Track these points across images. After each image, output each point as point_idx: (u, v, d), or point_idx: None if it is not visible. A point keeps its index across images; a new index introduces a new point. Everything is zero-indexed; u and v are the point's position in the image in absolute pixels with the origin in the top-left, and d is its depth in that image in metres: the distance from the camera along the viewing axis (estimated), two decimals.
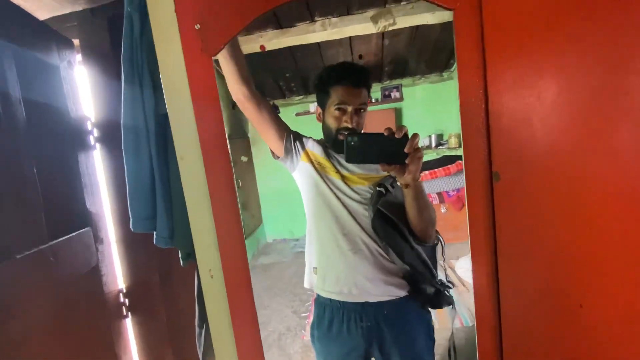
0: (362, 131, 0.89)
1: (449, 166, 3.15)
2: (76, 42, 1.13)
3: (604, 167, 0.58)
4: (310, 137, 0.97)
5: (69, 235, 0.96)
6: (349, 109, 0.87)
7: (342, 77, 0.88)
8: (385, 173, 0.86)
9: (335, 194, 0.88)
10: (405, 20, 1.96)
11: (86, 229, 1.04)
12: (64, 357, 0.90)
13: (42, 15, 1.08)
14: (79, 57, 1.14)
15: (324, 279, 0.92)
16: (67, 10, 1.09)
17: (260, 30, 2.09)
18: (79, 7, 1.09)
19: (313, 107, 3.76)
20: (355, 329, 0.88)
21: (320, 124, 0.96)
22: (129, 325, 1.22)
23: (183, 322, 1.15)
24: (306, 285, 0.98)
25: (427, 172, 3.14)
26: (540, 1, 0.58)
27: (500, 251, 0.66)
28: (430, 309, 0.93)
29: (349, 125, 0.87)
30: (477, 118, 0.63)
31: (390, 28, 1.98)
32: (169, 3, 0.67)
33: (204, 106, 0.69)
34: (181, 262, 0.88)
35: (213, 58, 0.69)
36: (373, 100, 3.77)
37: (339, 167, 0.90)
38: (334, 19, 2.02)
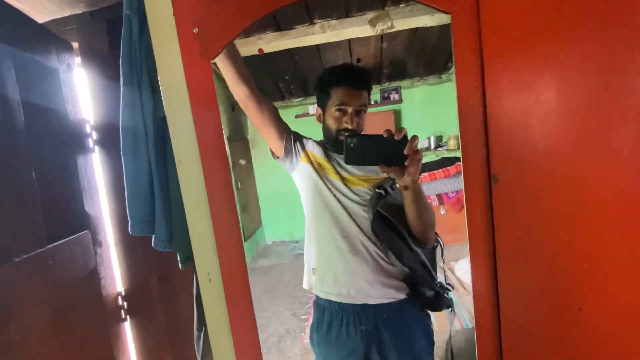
0: (362, 133, 0.89)
1: (448, 168, 3.15)
2: (75, 45, 1.13)
3: (602, 169, 0.58)
4: (310, 138, 0.97)
5: (68, 239, 0.96)
6: (349, 110, 0.87)
7: (343, 78, 0.88)
8: (385, 175, 0.86)
9: (334, 195, 0.88)
10: (404, 22, 1.96)
11: (85, 232, 1.04)
12: None
13: (41, 18, 1.08)
14: (78, 60, 1.14)
15: (322, 279, 0.92)
16: (66, 13, 1.10)
17: (259, 33, 2.10)
18: (78, 10, 1.10)
19: (312, 109, 3.77)
20: (355, 332, 0.88)
21: (320, 126, 0.96)
22: (127, 328, 1.22)
23: (182, 325, 1.15)
24: (305, 285, 0.98)
25: (426, 173, 3.14)
26: (538, 4, 0.58)
27: (499, 253, 0.66)
28: (429, 312, 0.93)
29: (349, 126, 0.87)
30: (476, 121, 0.63)
31: (389, 31, 1.99)
32: (167, 6, 0.67)
33: (203, 109, 0.69)
34: (180, 265, 0.88)
35: (211, 61, 0.69)
36: (372, 102, 3.78)
37: (338, 169, 0.90)
38: (333, 22, 2.03)
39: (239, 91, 0.85)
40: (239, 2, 0.66)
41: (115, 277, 1.19)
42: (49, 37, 1.03)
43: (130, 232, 0.86)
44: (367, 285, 0.86)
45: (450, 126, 3.79)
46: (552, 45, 0.58)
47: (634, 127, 0.56)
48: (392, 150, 0.67)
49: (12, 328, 0.75)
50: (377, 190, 0.86)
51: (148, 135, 0.82)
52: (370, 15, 1.97)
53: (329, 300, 0.91)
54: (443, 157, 3.52)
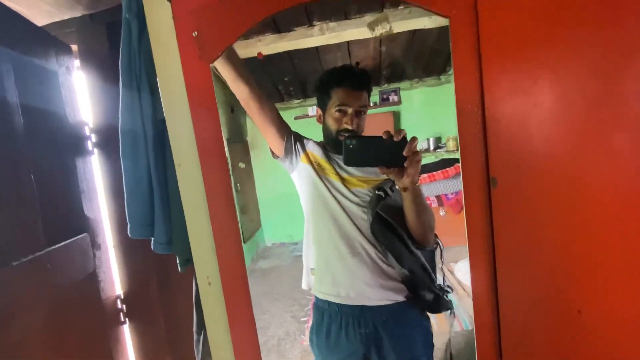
0: (362, 134, 0.89)
1: (447, 169, 3.15)
2: (74, 47, 1.13)
3: (600, 172, 0.58)
4: (310, 139, 0.97)
5: (67, 242, 0.96)
6: (349, 110, 0.88)
7: (343, 79, 0.89)
8: (385, 176, 0.86)
9: (334, 195, 0.89)
10: (403, 24, 1.97)
11: (83, 234, 1.04)
12: None
13: (40, 21, 1.08)
14: (77, 62, 1.14)
15: (321, 280, 0.92)
16: (65, 16, 1.10)
17: (258, 35, 2.10)
18: (77, 13, 1.10)
19: (312, 110, 3.77)
20: (354, 335, 0.88)
21: (320, 127, 0.96)
22: (126, 331, 1.21)
23: (181, 328, 1.14)
24: (304, 286, 0.98)
25: (425, 175, 3.14)
26: (537, 9, 0.58)
27: (498, 255, 0.66)
28: (429, 314, 0.93)
29: (349, 127, 0.87)
30: (474, 125, 0.64)
31: (387, 34, 1.99)
32: (166, 10, 0.68)
33: (202, 113, 0.69)
34: (179, 267, 0.88)
35: (211, 65, 0.69)
36: (371, 104, 3.79)
37: (338, 169, 0.91)
38: (332, 24, 2.03)
39: (240, 91, 0.85)
40: (238, 6, 0.67)
41: (114, 280, 1.19)
42: (48, 40, 1.03)
43: (130, 235, 0.86)
44: (366, 287, 0.86)
45: (449, 127, 3.79)
46: (550, 50, 0.58)
47: (631, 131, 0.56)
48: (391, 152, 0.67)
49: (10, 331, 0.75)
50: (376, 192, 0.86)
51: (147, 138, 0.82)
52: (369, 17, 1.98)
53: (328, 302, 0.91)
54: (442, 159, 3.53)
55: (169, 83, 0.70)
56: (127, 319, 1.21)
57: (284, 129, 0.93)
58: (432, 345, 0.93)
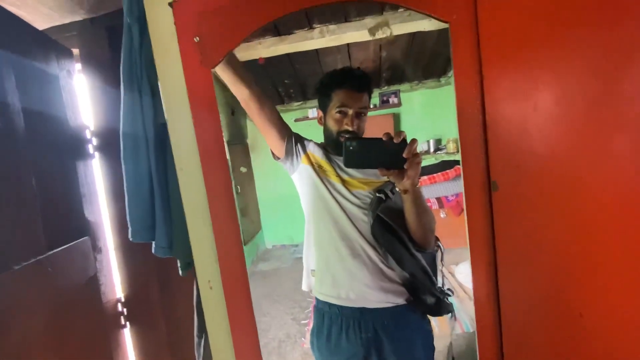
0: (362, 136, 0.90)
1: (447, 171, 3.15)
2: (75, 51, 1.13)
3: (600, 174, 0.58)
4: (311, 140, 0.97)
5: (67, 245, 0.96)
6: (350, 112, 0.88)
7: (344, 81, 0.89)
8: (386, 178, 0.86)
9: (334, 197, 0.89)
10: (402, 27, 1.98)
11: (84, 238, 1.04)
12: None
13: (41, 25, 1.08)
14: (78, 66, 1.14)
15: (321, 282, 0.92)
16: (66, 20, 1.10)
17: (258, 38, 2.11)
18: (78, 17, 1.10)
19: (312, 112, 3.78)
20: (355, 338, 0.88)
21: (320, 130, 0.96)
22: (127, 335, 1.21)
23: (182, 332, 1.14)
24: (304, 287, 0.98)
25: (425, 177, 3.14)
26: (537, 12, 0.59)
27: (499, 257, 0.66)
28: (430, 317, 0.93)
29: (350, 128, 0.87)
30: (475, 128, 0.64)
31: (388, 40, 2.00)
32: (168, 15, 0.68)
33: (203, 118, 0.69)
34: (180, 271, 0.88)
35: (212, 70, 0.69)
36: (371, 106, 3.79)
37: (339, 171, 0.91)
38: (332, 26, 2.04)
39: (240, 93, 0.86)
40: (239, 11, 0.67)
41: (115, 284, 1.19)
42: (49, 44, 1.04)
43: (131, 239, 0.86)
44: (366, 289, 0.86)
45: (449, 129, 3.80)
46: (550, 50, 0.59)
47: (631, 131, 0.56)
48: (391, 154, 0.67)
49: (11, 335, 0.75)
50: (377, 194, 0.87)
51: (148, 142, 0.82)
52: (369, 20, 1.99)
53: (329, 304, 0.91)
54: (442, 161, 3.53)
55: (170, 88, 0.70)
56: (127, 323, 1.21)
57: (284, 130, 0.93)
58: (433, 348, 0.93)
